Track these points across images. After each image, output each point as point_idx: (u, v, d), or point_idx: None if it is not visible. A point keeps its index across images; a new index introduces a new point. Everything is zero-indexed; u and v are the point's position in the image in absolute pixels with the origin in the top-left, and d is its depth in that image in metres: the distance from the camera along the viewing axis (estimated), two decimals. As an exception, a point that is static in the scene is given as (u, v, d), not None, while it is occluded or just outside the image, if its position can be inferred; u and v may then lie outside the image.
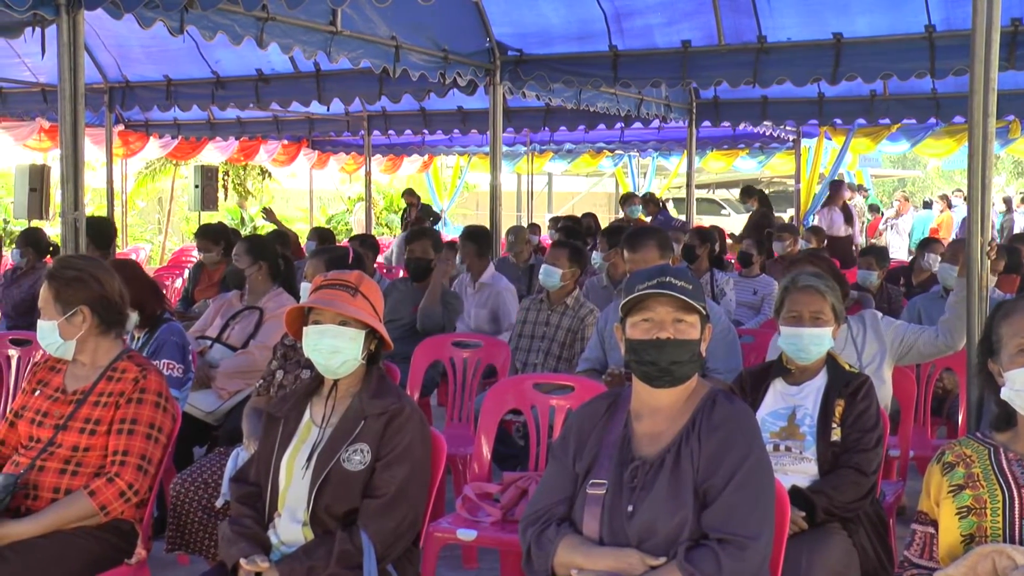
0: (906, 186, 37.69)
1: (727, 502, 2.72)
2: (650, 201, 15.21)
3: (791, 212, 17.74)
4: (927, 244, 8.93)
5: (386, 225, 25.28)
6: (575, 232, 9.98)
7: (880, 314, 4.86)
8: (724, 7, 8.59)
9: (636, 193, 14.90)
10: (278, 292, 5.83)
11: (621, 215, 14.87)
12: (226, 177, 24.23)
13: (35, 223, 13.33)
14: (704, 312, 2.88)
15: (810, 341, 3.84)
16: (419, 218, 17.06)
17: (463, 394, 5.73)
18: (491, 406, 4.46)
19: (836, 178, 16.03)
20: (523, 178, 23.55)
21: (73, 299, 3.64)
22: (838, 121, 13.65)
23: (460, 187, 23.77)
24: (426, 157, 21.62)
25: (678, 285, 2.82)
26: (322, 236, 10.29)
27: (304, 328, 3.33)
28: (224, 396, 5.47)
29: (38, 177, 14.17)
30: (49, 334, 3.65)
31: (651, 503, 2.77)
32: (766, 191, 33.88)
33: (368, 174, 16.74)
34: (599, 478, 2.87)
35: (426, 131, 15.72)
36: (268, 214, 12.73)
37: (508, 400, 4.53)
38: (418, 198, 17.84)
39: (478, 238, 7.90)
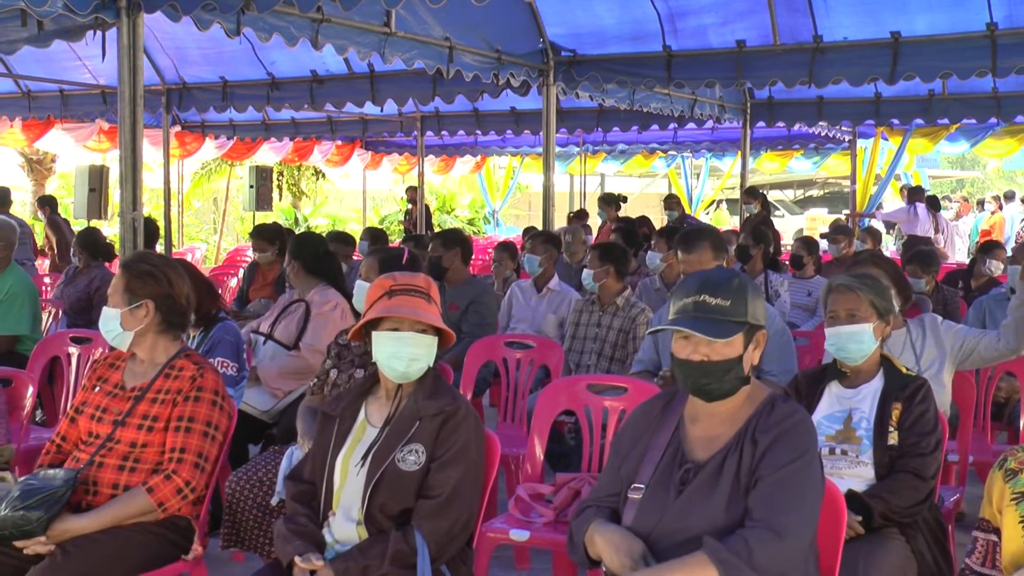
0: (964, 187, 37.16)
1: (769, 493, 2.69)
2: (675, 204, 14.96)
3: (846, 213, 17.56)
4: (988, 249, 8.77)
5: (439, 225, 25.37)
6: (631, 234, 9.92)
7: (940, 318, 4.78)
8: (779, 6, 8.54)
9: (614, 194, 14.52)
10: (323, 287, 5.84)
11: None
12: (280, 177, 24.48)
13: (94, 223, 13.54)
14: (750, 323, 2.81)
15: (847, 339, 3.79)
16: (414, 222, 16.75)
17: (516, 394, 5.73)
18: (544, 407, 4.45)
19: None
20: (576, 179, 23.52)
21: (141, 292, 3.70)
22: (895, 121, 13.48)
23: (512, 188, 23.80)
24: (479, 158, 21.68)
25: (712, 305, 2.77)
26: (374, 236, 10.35)
27: (375, 333, 3.31)
28: (279, 395, 5.51)
29: (97, 177, 14.40)
30: (111, 321, 3.71)
31: (697, 506, 2.76)
32: (821, 192, 33.62)
33: (421, 175, 16.80)
34: (640, 481, 2.87)
35: (479, 131, 15.76)
36: None
37: (561, 401, 4.53)
38: (421, 197, 17.59)
39: (557, 242, 7.87)
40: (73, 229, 12.20)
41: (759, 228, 9.29)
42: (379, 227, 15.46)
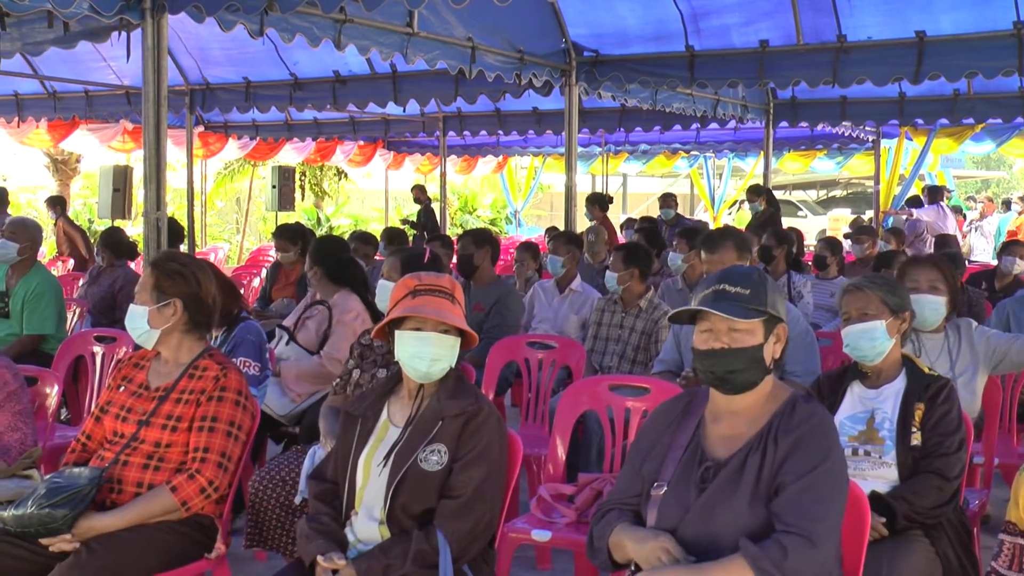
0: (990, 187, 36.91)
1: (798, 499, 2.68)
2: (671, 202, 14.92)
3: (870, 214, 17.47)
4: (1007, 247, 8.73)
5: (460, 226, 25.40)
6: (654, 234, 9.90)
7: (975, 323, 4.74)
8: (803, 6, 8.50)
9: (601, 194, 14.36)
10: (346, 294, 5.67)
11: (696, 216, 14.64)
12: (303, 177, 24.55)
13: (118, 223, 13.62)
14: (770, 313, 2.84)
15: (859, 336, 3.79)
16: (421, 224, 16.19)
17: (538, 395, 5.72)
18: (567, 407, 4.45)
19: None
20: (598, 179, 23.50)
21: (170, 290, 3.72)
22: (919, 121, 13.39)
23: (534, 188, 23.80)
24: (501, 158, 21.70)
25: (732, 293, 2.81)
26: (391, 237, 10.34)
27: (398, 332, 3.31)
28: (296, 399, 5.46)
29: (121, 178, 14.49)
30: (138, 319, 3.72)
31: (719, 504, 2.76)
32: (844, 192, 33.49)
33: (443, 175, 16.81)
34: (663, 480, 2.87)
35: (501, 132, 15.75)
36: None
37: (583, 401, 4.52)
38: (427, 196, 16.89)
39: (580, 243, 7.84)
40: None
41: (782, 229, 9.25)
42: (399, 227, 15.43)
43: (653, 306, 6.27)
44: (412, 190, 17.41)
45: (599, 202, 13.26)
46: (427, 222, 16.32)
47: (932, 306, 4.54)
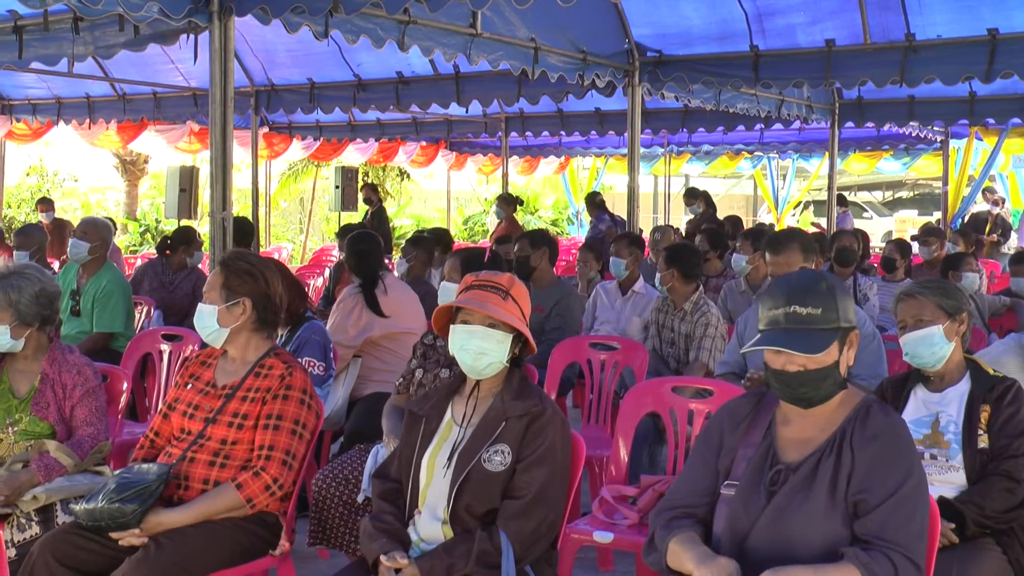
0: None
1: (893, 516, 2.64)
2: (590, 203, 14.68)
3: (937, 215, 17.16)
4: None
5: (522, 226, 25.37)
6: (718, 235, 9.81)
7: None
8: (870, 4, 8.36)
9: (512, 195, 14.19)
10: (351, 287, 6.04)
11: (759, 218, 14.50)
12: (366, 178, 24.71)
13: (184, 222, 13.81)
14: (843, 327, 2.79)
15: (917, 344, 3.74)
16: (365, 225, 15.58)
17: (600, 396, 5.71)
18: (630, 408, 4.43)
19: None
20: (660, 180, 23.36)
21: (239, 290, 3.76)
22: (990, 121, 13.12)
23: (596, 188, 23.73)
24: (563, 158, 21.66)
25: (804, 315, 2.75)
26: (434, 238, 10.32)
27: (451, 326, 3.34)
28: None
29: (188, 178, 14.69)
30: (207, 318, 3.77)
31: (792, 510, 2.73)
32: (911, 193, 32.93)
33: (505, 175, 16.82)
34: (735, 479, 2.85)
35: (563, 132, 15.71)
36: None
37: (647, 403, 4.50)
38: (378, 196, 16.30)
39: (642, 244, 7.80)
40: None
41: (902, 239, 9.12)
42: (443, 228, 15.07)
43: (697, 308, 6.15)
44: (361, 190, 16.43)
45: (508, 201, 13.24)
46: (378, 224, 15.78)
47: None
